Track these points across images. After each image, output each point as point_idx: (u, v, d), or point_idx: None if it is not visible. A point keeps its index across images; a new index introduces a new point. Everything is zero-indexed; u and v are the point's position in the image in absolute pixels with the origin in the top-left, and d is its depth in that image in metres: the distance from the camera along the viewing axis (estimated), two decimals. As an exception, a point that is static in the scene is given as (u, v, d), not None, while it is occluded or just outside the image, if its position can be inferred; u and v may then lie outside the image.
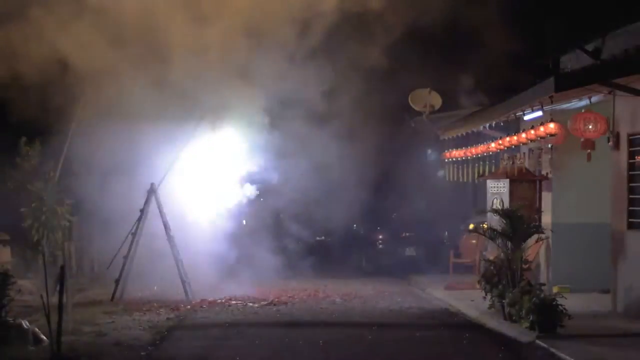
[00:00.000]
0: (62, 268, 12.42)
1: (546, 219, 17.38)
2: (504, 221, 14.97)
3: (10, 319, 12.43)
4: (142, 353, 12.36)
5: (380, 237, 24.89)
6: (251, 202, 21.97)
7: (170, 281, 19.00)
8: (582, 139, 15.48)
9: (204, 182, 20.16)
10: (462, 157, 19.98)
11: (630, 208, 15.03)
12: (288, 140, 20.83)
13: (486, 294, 15.20)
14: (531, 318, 13.16)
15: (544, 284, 14.81)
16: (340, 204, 24.21)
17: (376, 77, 23.58)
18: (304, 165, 21.87)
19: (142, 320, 15.02)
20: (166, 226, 18.20)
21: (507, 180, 17.05)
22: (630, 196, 15.04)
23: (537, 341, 12.62)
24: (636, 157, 15.01)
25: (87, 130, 20.94)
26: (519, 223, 14.88)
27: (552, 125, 15.33)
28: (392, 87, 25.20)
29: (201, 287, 18.67)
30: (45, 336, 12.17)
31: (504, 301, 14.35)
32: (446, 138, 20.78)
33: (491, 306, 15.11)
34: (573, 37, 14.25)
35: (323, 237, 25.29)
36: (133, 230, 17.99)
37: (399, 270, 23.01)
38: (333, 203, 24.05)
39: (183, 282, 17.87)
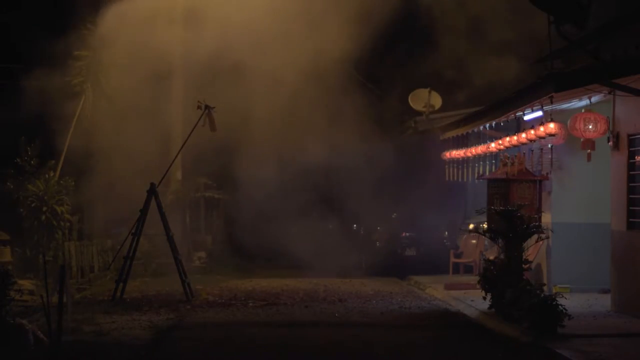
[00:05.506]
0: (62, 268, 12.42)
1: (546, 219, 17.38)
2: (504, 221, 14.96)
3: (10, 319, 12.42)
4: (142, 353, 12.36)
5: (380, 237, 24.88)
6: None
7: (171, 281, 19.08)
8: (582, 139, 15.49)
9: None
10: (462, 157, 19.96)
11: (630, 208, 15.02)
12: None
13: (486, 294, 15.20)
14: (531, 318, 13.16)
15: (544, 284, 14.80)
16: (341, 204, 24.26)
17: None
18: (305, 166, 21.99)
19: (142, 320, 15.00)
20: (166, 226, 18.19)
21: (507, 180, 17.05)
22: (630, 196, 15.04)
23: (537, 341, 12.61)
24: (636, 157, 15.01)
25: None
26: (519, 223, 14.87)
27: (552, 125, 15.32)
28: (389, 89, 25.34)
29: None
30: (45, 336, 12.16)
31: (503, 301, 14.34)
32: (446, 138, 20.76)
33: (491, 306, 15.11)
34: (573, 37, 14.24)
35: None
36: (133, 231, 17.97)
37: (399, 270, 23.01)
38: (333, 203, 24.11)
39: (183, 282, 17.86)
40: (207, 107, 17.99)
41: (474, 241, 21.46)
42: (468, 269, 21.94)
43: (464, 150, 19.69)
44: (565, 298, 13.57)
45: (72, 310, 14.06)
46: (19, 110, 20.61)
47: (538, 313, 13.05)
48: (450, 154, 20.70)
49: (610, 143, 15.44)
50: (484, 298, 15.26)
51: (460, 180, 20.65)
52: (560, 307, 13.05)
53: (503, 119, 16.81)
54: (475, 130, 18.50)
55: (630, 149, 15.08)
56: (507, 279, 14.54)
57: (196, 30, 21.57)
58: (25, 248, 19.86)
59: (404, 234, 24.61)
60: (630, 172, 15.08)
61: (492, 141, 18.16)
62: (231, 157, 22.41)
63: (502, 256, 15.00)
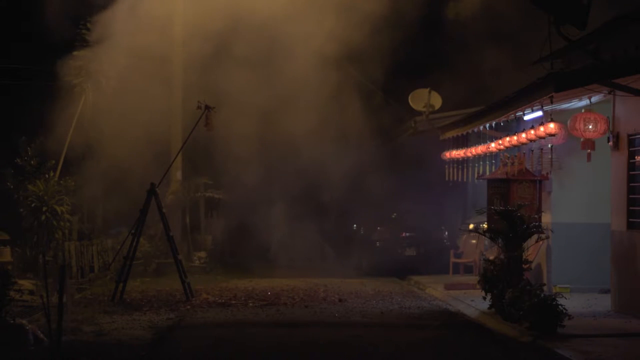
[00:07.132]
0: (62, 268, 12.42)
1: (546, 219, 17.39)
2: (504, 221, 14.96)
3: (11, 319, 12.42)
4: (142, 353, 12.36)
5: (380, 237, 24.91)
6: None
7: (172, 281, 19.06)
8: (582, 139, 15.49)
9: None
10: (462, 157, 19.96)
11: (630, 208, 15.03)
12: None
13: (486, 294, 15.21)
14: (531, 318, 13.16)
15: (544, 284, 14.81)
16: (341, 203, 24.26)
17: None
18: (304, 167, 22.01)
19: (142, 320, 15.01)
20: (166, 226, 18.19)
21: (507, 180, 17.05)
22: (630, 196, 15.04)
23: (537, 341, 12.61)
24: (636, 157, 15.01)
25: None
26: (519, 223, 14.87)
27: (552, 125, 15.32)
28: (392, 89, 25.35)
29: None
30: (45, 336, 12.16)
31: (503, 301, 14.35)
32: (446, 138, 20.76)
33: (491, 306, 15.11)
34: (573, 37, 14.23)
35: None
36: (133, 231, 17.97)
37: (399, 270, 23.01)
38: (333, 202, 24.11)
39: (183, 282, 17.86)
40: (207, 107, 18.00)
41: (474, 241, 21.47)
42: (468, 269, 21.94)
43: (464, 150, 19.69)
44: (565, 298, 13.57)
45: (72, 310, 14.07)
46: (20, 110, 20.64)
47: (538, 313, 13.06)
48: (450, 154, 20.69)
49: (610, 143, 15.44)
50: (484, 298, 15.27)
51: (460, 180, 20.66)
52: (560, 307, 13.05)
53: (503, 119, 16.81)
54: (475, 130, 18.51)
55: (630, 149, 15.08)
56: (507, 279, 14.55)
57: (195, 29, 21.59)
58: (25, 248, 19.87)
59: (404, 234, 24.62)
60: (630, 172, 15.08)
61: (492, 141, 18.16)
62: (231, 156, 22.42)
63: (502, 256, 15.01)
